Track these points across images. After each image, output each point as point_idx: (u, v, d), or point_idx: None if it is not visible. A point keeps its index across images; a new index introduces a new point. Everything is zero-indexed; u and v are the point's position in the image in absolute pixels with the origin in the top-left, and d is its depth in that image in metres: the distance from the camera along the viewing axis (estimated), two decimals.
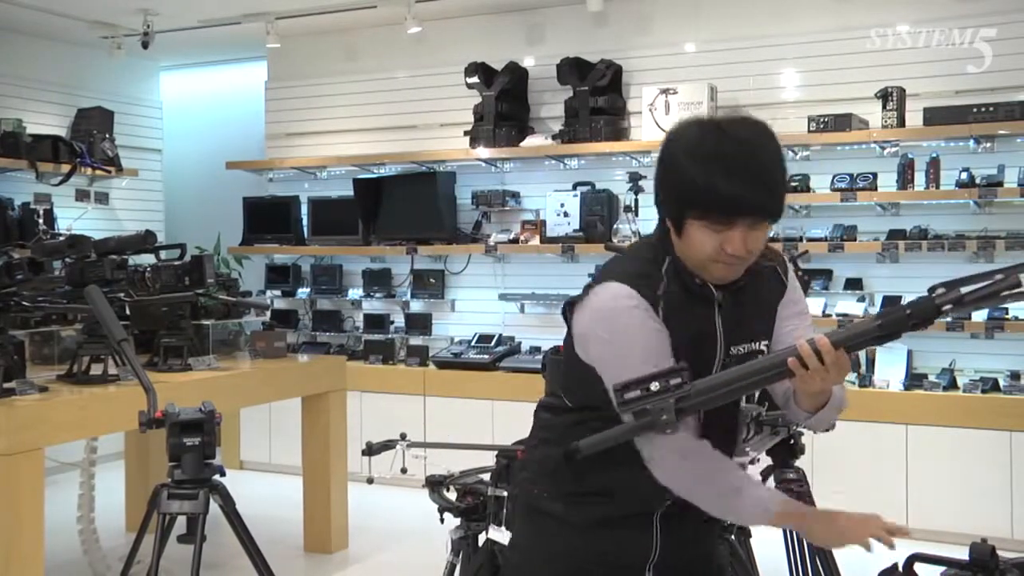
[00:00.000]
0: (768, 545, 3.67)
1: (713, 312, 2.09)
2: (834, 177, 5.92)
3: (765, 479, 3.63)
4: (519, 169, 6.98)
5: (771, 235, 6.24)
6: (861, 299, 5.93)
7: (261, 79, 8.05)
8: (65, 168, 7.31)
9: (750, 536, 3.62)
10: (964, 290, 1.74)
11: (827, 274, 6.04)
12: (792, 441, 3.47)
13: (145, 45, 7.26)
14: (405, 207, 7.04)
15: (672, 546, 2.19)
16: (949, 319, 5.55)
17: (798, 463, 3.53)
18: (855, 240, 5.89)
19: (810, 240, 5.91)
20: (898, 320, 1.76)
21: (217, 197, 8.23)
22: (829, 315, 5.89)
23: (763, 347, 2.13)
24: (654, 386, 1.81)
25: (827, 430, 2.25)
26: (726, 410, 2.09)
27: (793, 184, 5.97)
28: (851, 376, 5.85)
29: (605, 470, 2.12)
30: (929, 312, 1.75)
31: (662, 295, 2.04)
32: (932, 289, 1.78)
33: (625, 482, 2.12)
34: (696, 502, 2.03)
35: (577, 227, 6.51)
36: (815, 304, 5.86)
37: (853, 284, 6.01)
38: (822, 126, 5.85)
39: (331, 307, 7.61)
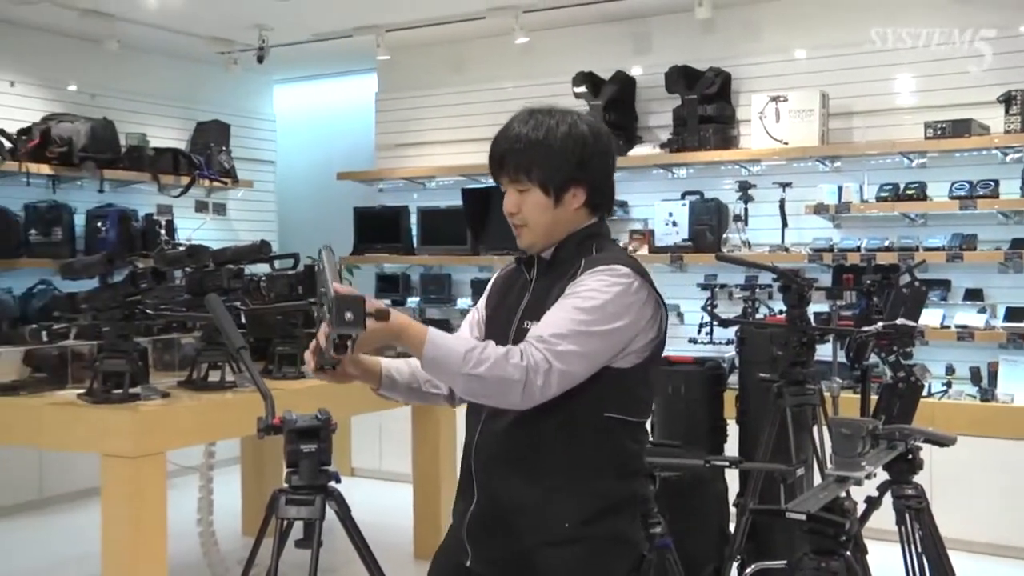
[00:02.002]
0: (885, 557, 3.58)
1: (526, 285, 2.34)
2: (952, 185, 5.75)
3: (882, 494, 3.54)
4: (627, 179, 6.93)
5: (885, 243, 6.02)
6: (982, 310, 5.74)
7: (371, 91, 8.18)
8: (185, 180, 7.53)
9: (867, 553, 3.53)
10: None
11: (945, 284, 5.86)
12: (910, 456, 3.36)
13: (260, 59, 7.45)
14: None
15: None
16: None
17: (916, 478, 3.43)
18: (975, 249, 5.70)
19: (927, 249, 5.75)
20: None
21: (328, 207, 8.36)
22: (948, 326, 5.72)
23: (531, 327, 2.21)
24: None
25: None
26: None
27: (909, 192, 5.84)
28: (972, 390, 5.67)
29: None
30: None
31: (502, 273, 2.47)
32: None
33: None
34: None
35: (686, 236, 6.44)
36: (933, 316, 5.70)
37: (973, 295, 5.82)
38: (939, 132, 5.69)
39: (440, 316, 7.66)
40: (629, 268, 2.20)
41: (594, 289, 2.15)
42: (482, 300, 2.49)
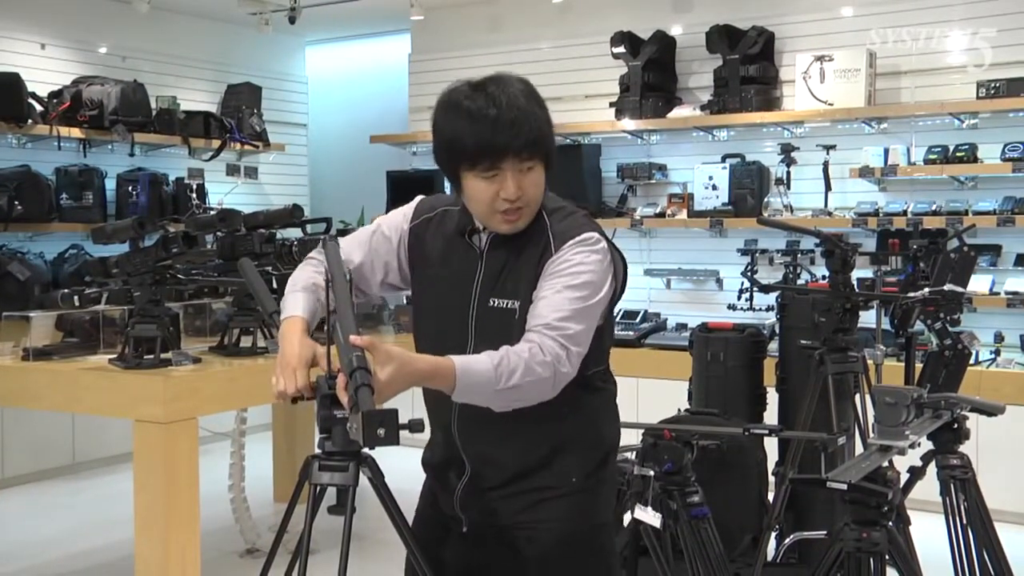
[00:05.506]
0: (929, 529, 3.51)
1: (476, 258, 2.19)
2: (1005, 146, 5.61)
3: (926, 464, 3.46)
4: (666, 141, 6.82)
5: (933, 207, 5.87)
6: None
7: (405, 52, 8.09)
8: (216, 144, 7.49)
9: (909, 524, 3.45)
10: None
11: (995, 250, 5.72)
12: (956, 425, 3.31)
13: (292, 20, 7.36)
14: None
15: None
16: None
17: (962, 448, 3.36)
18: None
19: (976, 213, 5.61)
20: None
21: (361, 171, 8.32)
22: (997, 293, 5.60)
23: (514, 307, 2.14)
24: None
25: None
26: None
27: (958, 154, 5.69)
28: (1021, 358, 5.55)
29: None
30: None
31: (423, 219, 2.29)
32: None
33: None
34: None
35: (726, 201, 6.34)
36: (982, 282, 5.56)
37: None
38: (992, 92, 5.54)
39: None
40: (595, 233, 2.18)
41: (578, 264, 2.12)
42: (394, 232, 2.32)
